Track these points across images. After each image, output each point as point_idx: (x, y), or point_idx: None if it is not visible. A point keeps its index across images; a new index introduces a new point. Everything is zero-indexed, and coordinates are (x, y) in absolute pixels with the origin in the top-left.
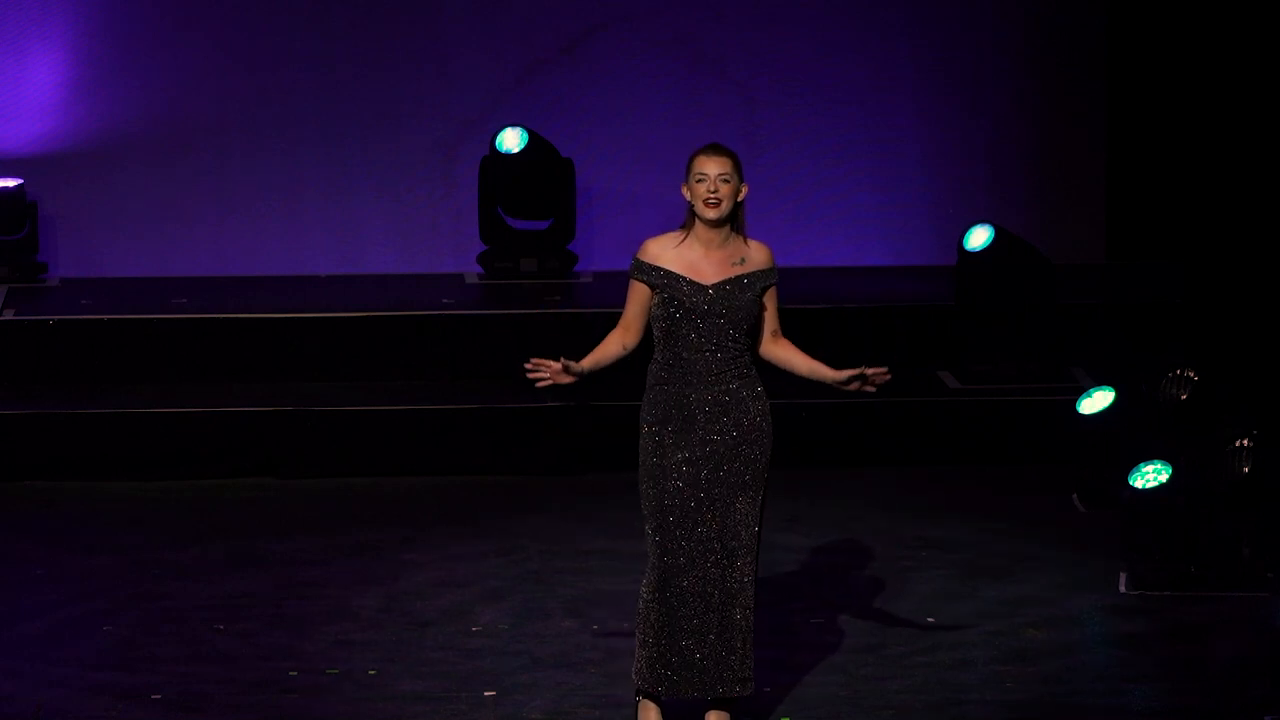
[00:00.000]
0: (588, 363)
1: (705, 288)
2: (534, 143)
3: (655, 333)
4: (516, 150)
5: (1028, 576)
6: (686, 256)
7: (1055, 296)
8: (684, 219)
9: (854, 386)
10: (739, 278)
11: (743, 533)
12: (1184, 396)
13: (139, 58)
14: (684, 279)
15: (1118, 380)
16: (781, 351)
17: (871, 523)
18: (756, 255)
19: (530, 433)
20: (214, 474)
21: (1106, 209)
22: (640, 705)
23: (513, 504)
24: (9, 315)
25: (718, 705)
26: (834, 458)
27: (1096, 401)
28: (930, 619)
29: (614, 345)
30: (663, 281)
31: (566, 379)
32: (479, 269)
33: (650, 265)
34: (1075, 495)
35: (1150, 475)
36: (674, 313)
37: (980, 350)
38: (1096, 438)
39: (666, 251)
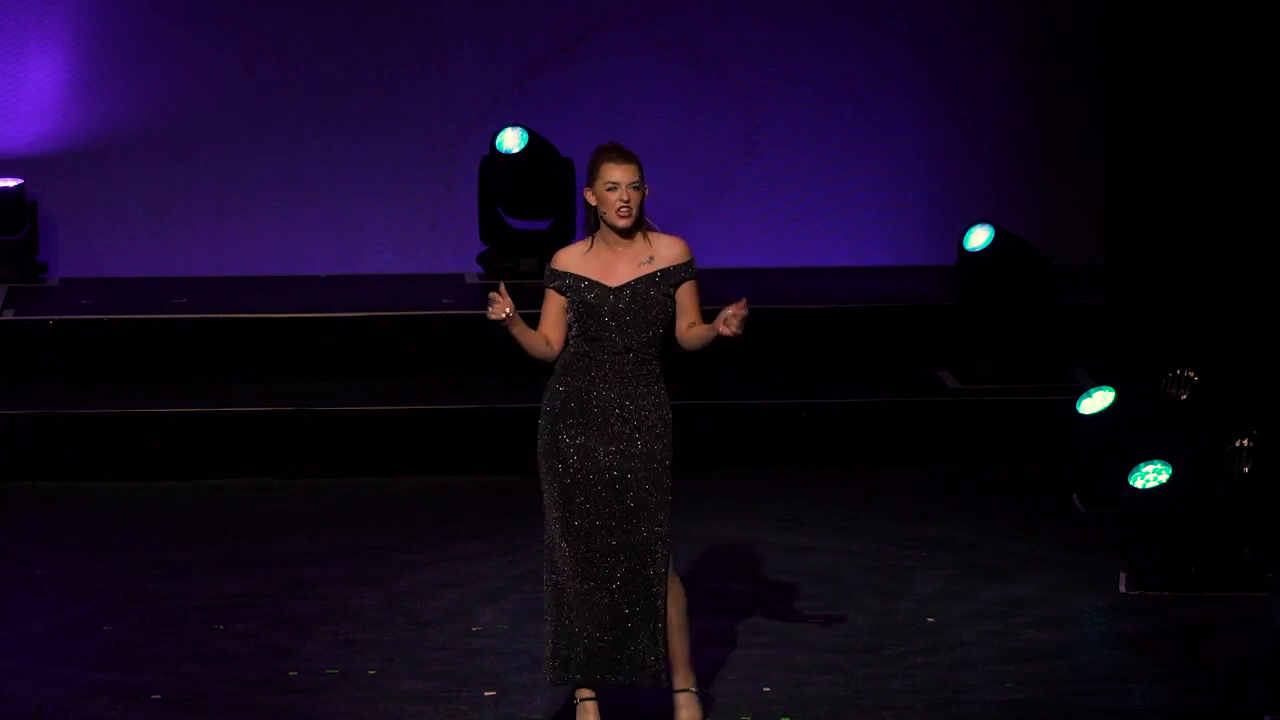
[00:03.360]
0: (519, 331)
1: (612, 289)
2: (534, 143)
3: (569, 335)
4: (516, 150)
5: (1028, 576)
6: (593, 261)
7: (1055, 296)
8: (585, 223)
9: (726, 330)
10: (646, 276)
11: (647, 529)
12: (1184, 396)
13: (139, 58)
14: (592, 282)
15: (1118, 380)
16: (691, 333)
17: (871, 523)
18: (666, 251)
19: (530, 433)
20: (214, 474)
21: (1106, 209)
22: (579, 708)
23: (513, 504)
24: (9, 315)
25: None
26: (834, 458)
27: (1096, 401)
28: (930, 619)
29: (540, 340)
30: (571, 286)
31: (505, 322)
32: (479, 269)
33: (560, 271)
34: (1075, 495)
35: (1150, 475)
36: (583, 316)
37: (980, 350)
38: (1096, 438)
39: (575, 258)
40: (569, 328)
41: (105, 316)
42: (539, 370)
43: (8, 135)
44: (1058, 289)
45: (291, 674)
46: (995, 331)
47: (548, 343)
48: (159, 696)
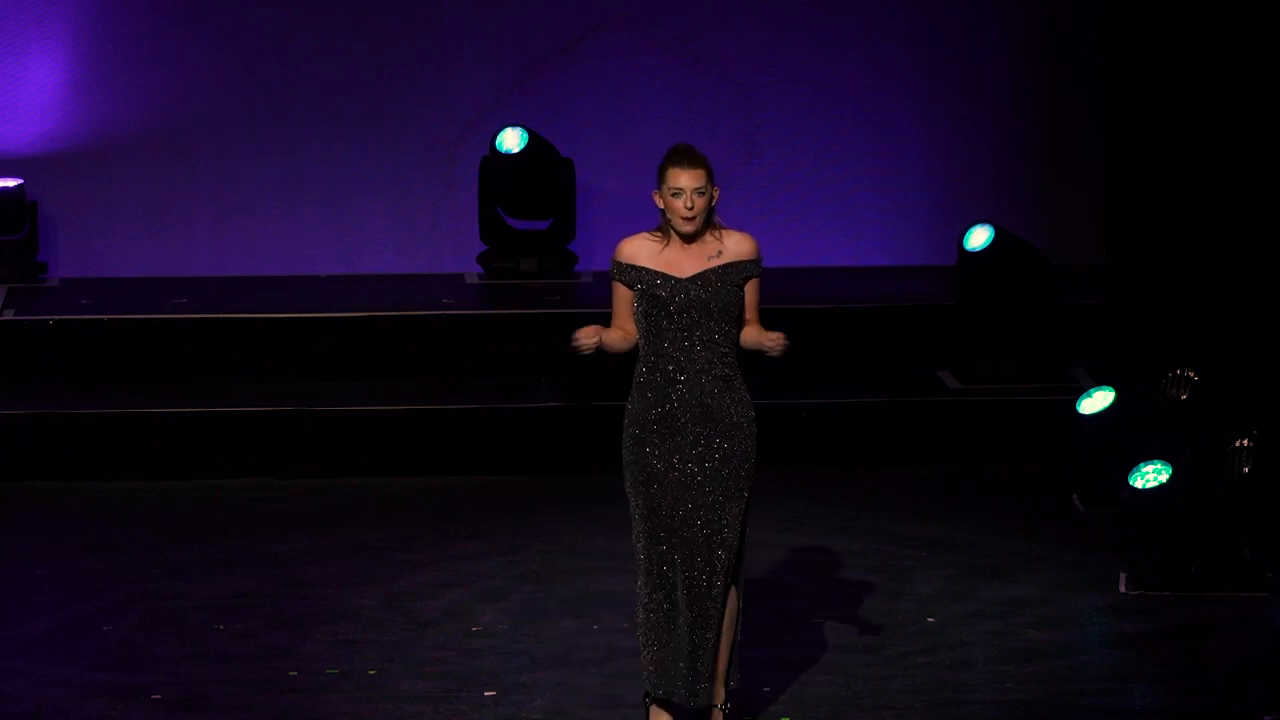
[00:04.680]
0: (606, 337)
1: (683, 282)
2: (534, 143)
3: (640, 331)
4: (516, 150)
5: (1028, 576)
6: (663, 257)
7: (1055, 296)
8: (659, 223)
9: (768, 348)
10: (716, 269)
11: (726, 537)
12: (1184, 396)
13: (139, 58)
14: (661, 275)
15: (1118, 380)
16: (746, 333)
17: (871, 523)
18: (735, 247)
19: (530, 433)
20: (214, 474)
21: (1106, 209)
22: (651, 711)
23: (513, 504)
24: (9, 315)
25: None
26: (834, 458)
27: (1096, 401)
28: (930, 619)
29: (617, 334)
30: (640, 279)
31: (589, 349)
32: (479, 269)
33: (627, 265)
34: (1075, 495)
35: (1150, 475)
36: (653, 310)
37: (980, 350)
38: (1096, 438)
39: (641, 251)
40: (638, 326)
41: (105, 316)
42: (537, 370)
43: (8, 135)
44: (1058, 289)
45: (291, 674)
46: (995, 331)
47: (625, 337)
48: (159, 696)
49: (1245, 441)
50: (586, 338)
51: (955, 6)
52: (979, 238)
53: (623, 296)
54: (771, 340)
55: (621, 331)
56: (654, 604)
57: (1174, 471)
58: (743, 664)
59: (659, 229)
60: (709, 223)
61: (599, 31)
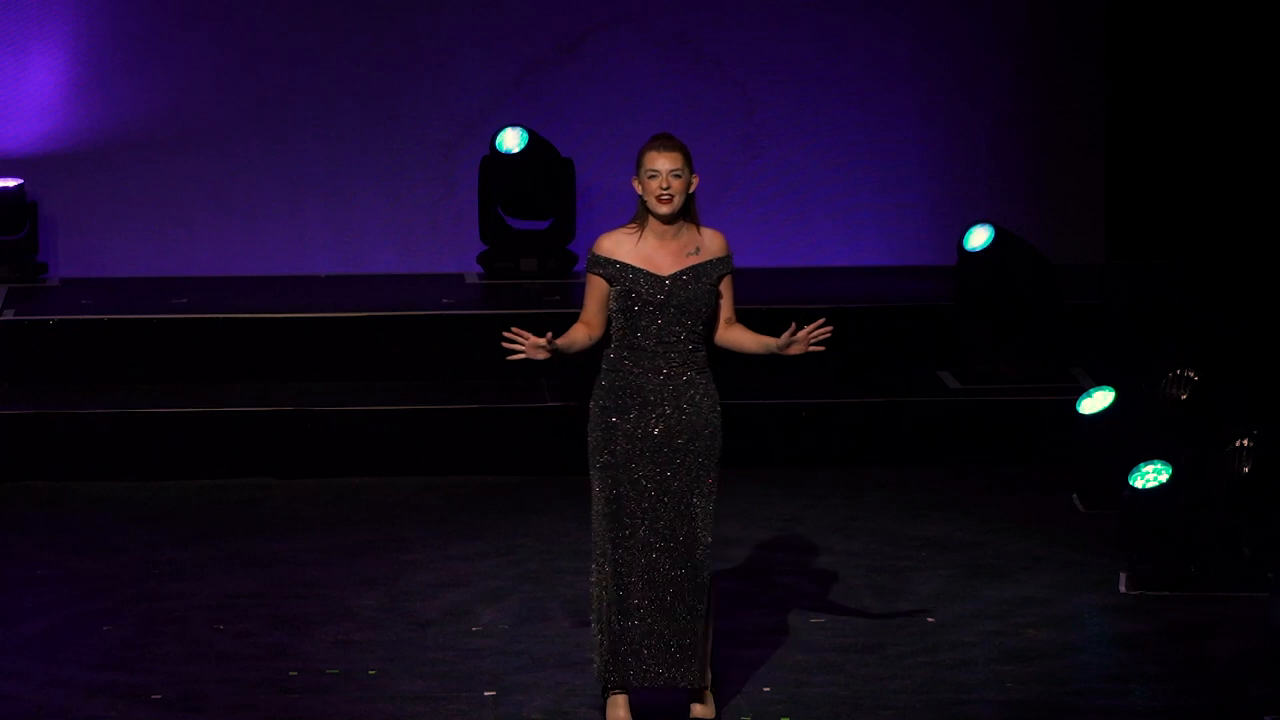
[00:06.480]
0: (562, 342)
1: (662, 279)
2: (534, 143)
3: (614, 324)
4: (516, 150)
5: (1028, 576)
6: (642, 249)
7: (1055, 296)
8: (635, 212)
9: (795, 349)
10: (695, 267)
11: (696, 530)
12: (1184, 396)
13: (139, 58)
14: (641, 271)
15: (1118, 380)
16: (733, 334)
17: (871, 523)
18: (711, 244)
19: (530, 433)
20: (214, 474)
21: (1106, 209)
22: (609, 700)
23: (513, 504)
24: (9, 315)
25: (696, 696)
26: (834, 458)
27: (1096, 401)
28: (930, 619)
29: (581, 333)
30: (619, 274)
31: (541, 355)
32: (479, 269)
33: (606, 259)
34: (1075, 495)
35: (1150, 475)
36: (632, 305)
37: (980, 350)
38: (1096, 438)
39: (621, 246)
40: (612, 319)
41: (105, 316)
42: (537, 371)
43: (8, 135)
44: (1058, 289)
45: (291, 674)
46: (995, 331)
47: (589, 336)
48: (159, 696)
49: (1245, 441)
50: (533, 347)
51: (955, 6)
52: (979, 238)
53: (597, 290)
54: (809, 329)
55: (586, 329)
56: (609, 590)
57: (1174, 471)
58: (741, 663)
59: (634, 220)
60: (688, 212)
61: (599, 31)
